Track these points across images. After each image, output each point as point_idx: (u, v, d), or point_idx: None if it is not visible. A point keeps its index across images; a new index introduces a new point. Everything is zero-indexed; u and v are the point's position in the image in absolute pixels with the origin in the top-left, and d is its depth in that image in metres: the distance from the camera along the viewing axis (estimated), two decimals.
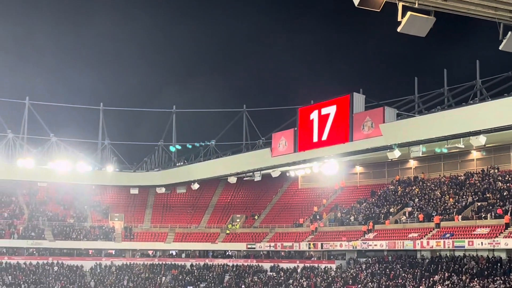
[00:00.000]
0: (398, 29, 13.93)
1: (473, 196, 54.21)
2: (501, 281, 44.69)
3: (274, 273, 63.94)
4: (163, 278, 67.06)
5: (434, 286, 48.15)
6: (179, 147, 69.98)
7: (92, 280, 65.23)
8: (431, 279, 49.18)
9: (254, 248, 68.66)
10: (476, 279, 46.47)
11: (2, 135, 66.95)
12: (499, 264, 47.43)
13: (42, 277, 63.75)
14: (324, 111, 51.06)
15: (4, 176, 66.25)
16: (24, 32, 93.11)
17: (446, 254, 52.37)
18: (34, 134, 70.04)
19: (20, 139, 67.82)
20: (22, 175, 65.86)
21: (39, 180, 68.15)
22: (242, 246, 69.78)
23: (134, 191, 71.68)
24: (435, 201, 57.11)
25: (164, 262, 69.50)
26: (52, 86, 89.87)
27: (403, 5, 13.47)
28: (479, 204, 52.71)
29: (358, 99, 49.22)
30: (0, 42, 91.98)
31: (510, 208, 48.89)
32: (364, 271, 56.05)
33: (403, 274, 52.18)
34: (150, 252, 72.46)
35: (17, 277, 62.61)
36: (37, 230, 68.28)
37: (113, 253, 70.99)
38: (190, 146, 69.25)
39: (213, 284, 64.87)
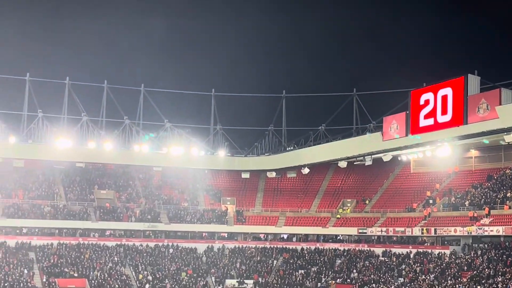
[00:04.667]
0: None
1: None
2: None
3: (386, 258, 63.32)
4: (275, 261, 67.80)
5: None
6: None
7: (206, 263, 66.87)
8: None
9: (365, 233, 68.11)
10: None
11: (120, 121, 69.58)
12: None
13: (158, 258, 65.87)
14: (438, 93, 49.84)
15: (121, 161, 69.13)
16: (141, 23, 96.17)
17: None
18: (149, 120, 72.64)
19: (136, 125, 70.27)
20: (138, 160, 68.44)
21: (154, 165, 69.96)
22: (353, 231, 69.39)
23: (246, 175, 72.73)
24: None
25: (275, 246, 70.22)
26: (166, 73, 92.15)
27: None
28: None
29: (473, 80, 47.71)
30: (111, 34, 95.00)
31: None
32: (480, 257, 54.53)
33: None
34: (261, 236, 73.35)
35: (134, 259, 64.99)
36: (153, 213, 70.52)
37: (226, 236, 72.34)
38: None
39: (324, 268, 65.01)
